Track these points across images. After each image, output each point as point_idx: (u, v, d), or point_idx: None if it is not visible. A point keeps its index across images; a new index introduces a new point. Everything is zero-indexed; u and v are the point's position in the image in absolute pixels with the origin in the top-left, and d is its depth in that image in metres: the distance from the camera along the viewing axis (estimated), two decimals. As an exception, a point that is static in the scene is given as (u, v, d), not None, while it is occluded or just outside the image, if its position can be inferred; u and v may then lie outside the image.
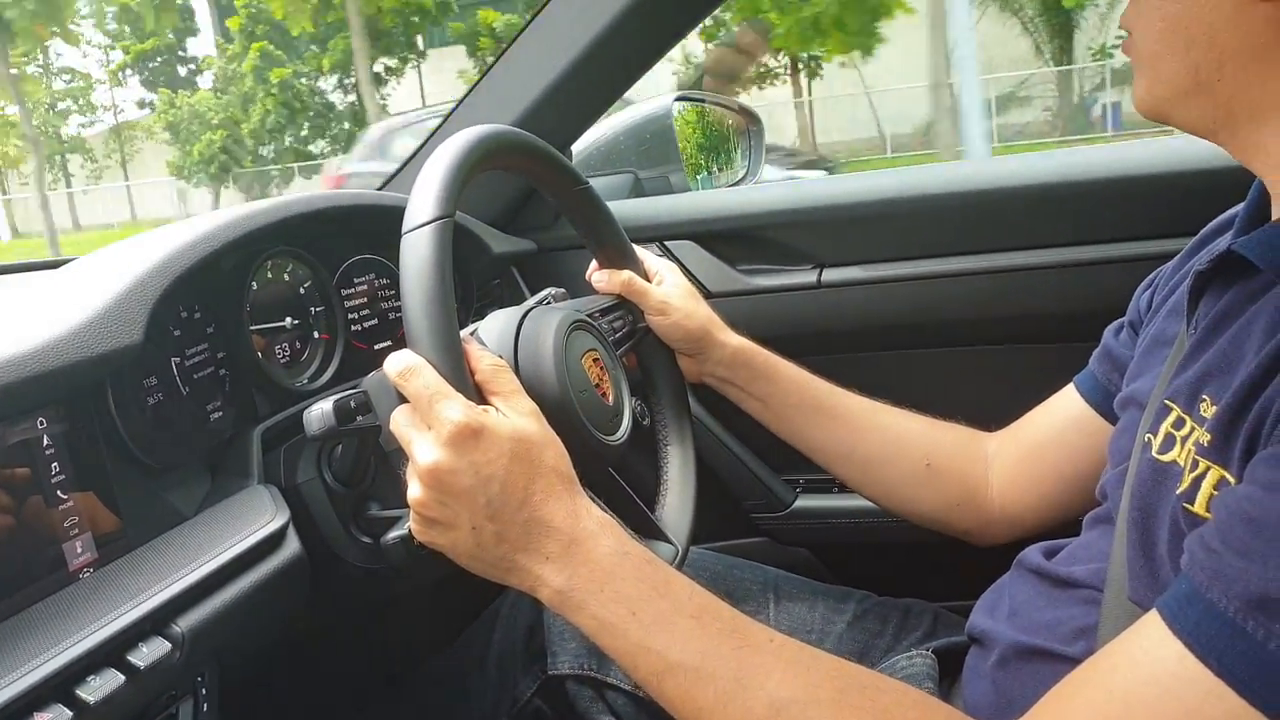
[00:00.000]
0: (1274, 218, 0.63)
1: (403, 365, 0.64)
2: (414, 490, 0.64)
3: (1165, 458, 0.62)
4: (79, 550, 0.66)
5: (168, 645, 0.61)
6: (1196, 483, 0.58)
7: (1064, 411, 0.90)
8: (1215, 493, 0.56)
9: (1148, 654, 0.51)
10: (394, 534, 0.70)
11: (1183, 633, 0.50)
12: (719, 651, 0.60)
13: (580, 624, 0.63)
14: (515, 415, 0.65)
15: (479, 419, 0.62)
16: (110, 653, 0.59)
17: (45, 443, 0.65)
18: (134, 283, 0.72)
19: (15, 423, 0.63)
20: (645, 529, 0.85)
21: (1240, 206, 0.69)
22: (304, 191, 1.00)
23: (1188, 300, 0.68)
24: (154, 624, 0.62)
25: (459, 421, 0.62)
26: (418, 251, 0.66)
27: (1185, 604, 0.50)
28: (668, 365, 1.01)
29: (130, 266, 0.74)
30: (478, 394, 0.66)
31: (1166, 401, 0.65)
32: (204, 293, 0.84)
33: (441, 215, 0.68)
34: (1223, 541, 0.50)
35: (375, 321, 1.07)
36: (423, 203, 0.68)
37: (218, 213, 0.89)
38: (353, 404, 0.68)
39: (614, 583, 0.62)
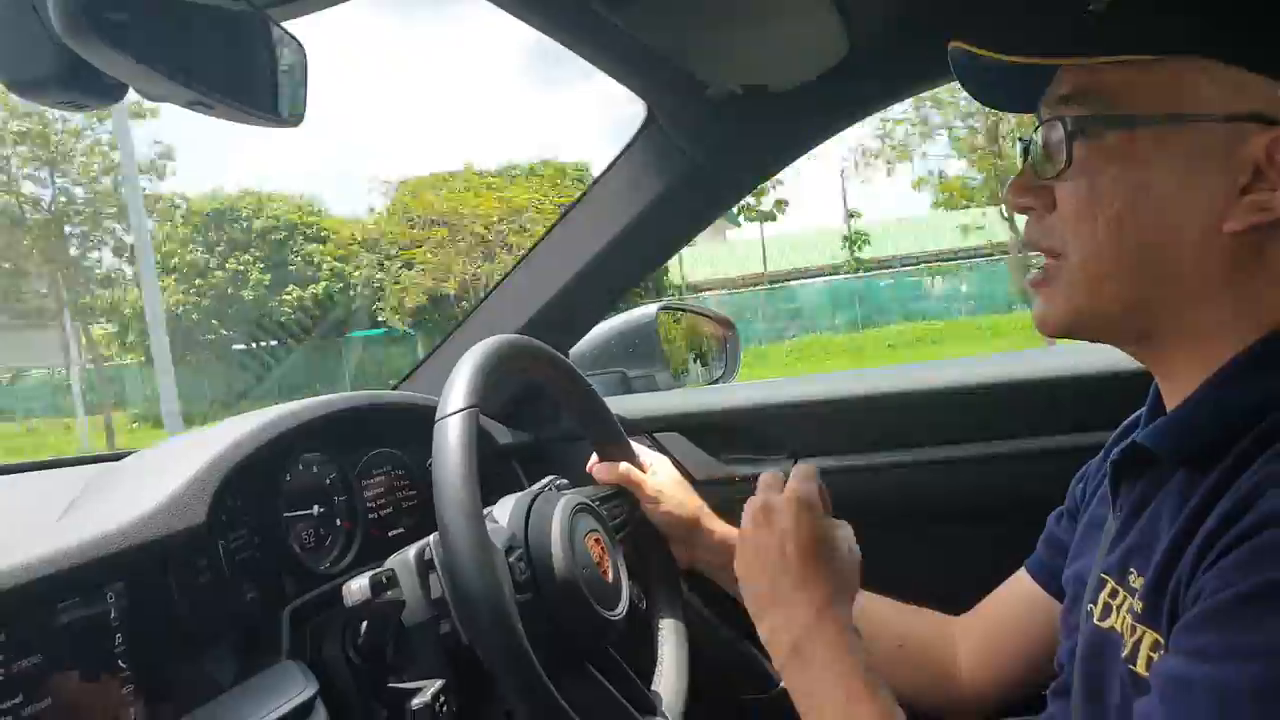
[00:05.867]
0: (1169, 411, 0.73)
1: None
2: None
3: (1105, 624, 0.71)
4: None
5: None
6: (1136, 645, 0.66)
7: (1019, 593, 0.99)
8: (1153, 655, 0.64)
9: None
10: (418, 701, 0.77)
11: None
12: None
13: None
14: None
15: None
16: None
17: (112, 615, 0.72)
18: (198, 472, 0.83)
19: (89, 596, 0.71)
20: (642, 706, 0.92)
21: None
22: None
23: (1109, 488, 0.78)
24: None
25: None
26: (451, 434, 0.79)
27: None
28: (661, 550, 1.10)
29: (191, 460, 0.85)
30: None
31: (1102, 575, 0.74)
32: (246, 483, 0.94)
33: (471, 405, 0.81)
34: (1161, 702, 0.58)
35: (390, 510, 1.16)
36: (455, 394, 0.81)
37: (261, 412, 1.00)
38: (384, 579, 0.80)
39: None
